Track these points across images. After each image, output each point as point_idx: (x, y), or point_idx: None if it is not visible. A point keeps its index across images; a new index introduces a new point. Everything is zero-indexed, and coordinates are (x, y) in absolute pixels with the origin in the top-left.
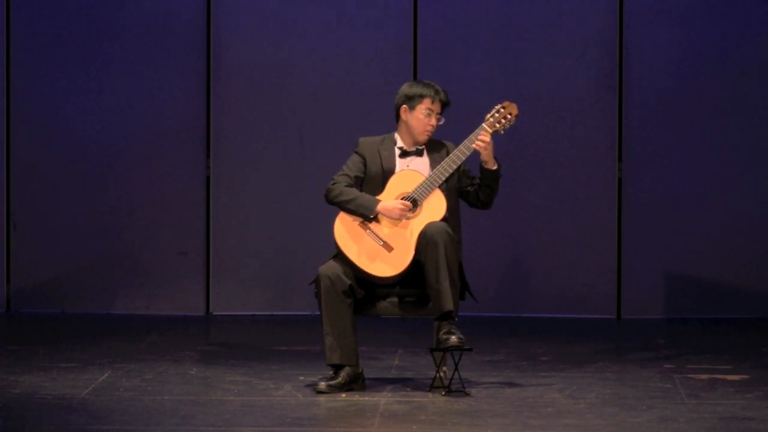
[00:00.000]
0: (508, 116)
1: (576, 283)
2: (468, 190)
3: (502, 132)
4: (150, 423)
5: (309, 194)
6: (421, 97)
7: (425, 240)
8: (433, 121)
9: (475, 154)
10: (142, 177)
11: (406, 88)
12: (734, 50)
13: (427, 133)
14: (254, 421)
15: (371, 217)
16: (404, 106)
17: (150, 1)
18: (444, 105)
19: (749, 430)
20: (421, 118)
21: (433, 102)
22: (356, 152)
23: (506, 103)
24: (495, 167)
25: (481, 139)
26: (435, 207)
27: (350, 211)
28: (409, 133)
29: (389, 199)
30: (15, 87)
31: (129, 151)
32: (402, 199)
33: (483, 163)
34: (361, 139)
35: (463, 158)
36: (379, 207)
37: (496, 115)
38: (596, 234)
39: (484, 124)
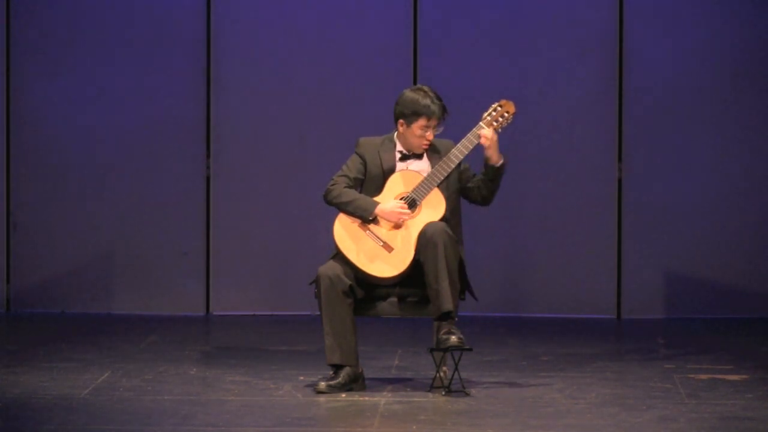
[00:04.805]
0: (506, 115)
1: (576, 283)
2: (469, 186)
3: (500, 130)
4: (150, 423)
5: (309, 194)
6: (417, 115)
7: (424, 240)
8: (430, 136)
9: (474, 151)
10: (142, 177)
11: (405, 101)
12: (734, 50)
13: (424, 146)
14: (254, 421)
15: (370, 218)
16: (401, 120)
17: (150, 1)
18: (442, 117)
19: (749, 430)
20: (417, 134)
21: (429, 120)
22: (356, 153)
23: (503, 102)
24: (500, 163)
25: (483, 135)
26: (434, 206)
27: (349, 213)
28: (406, 142)
29: (388, 199)
30: (15, 87)
31: (129, 151)
32: (401, 199)
33: (487, 159)
34: (361, 140)
35: (461, 157)
36: (377, 210)
37: (493, 113)
38: (596, 234)
39: (481, 123)
